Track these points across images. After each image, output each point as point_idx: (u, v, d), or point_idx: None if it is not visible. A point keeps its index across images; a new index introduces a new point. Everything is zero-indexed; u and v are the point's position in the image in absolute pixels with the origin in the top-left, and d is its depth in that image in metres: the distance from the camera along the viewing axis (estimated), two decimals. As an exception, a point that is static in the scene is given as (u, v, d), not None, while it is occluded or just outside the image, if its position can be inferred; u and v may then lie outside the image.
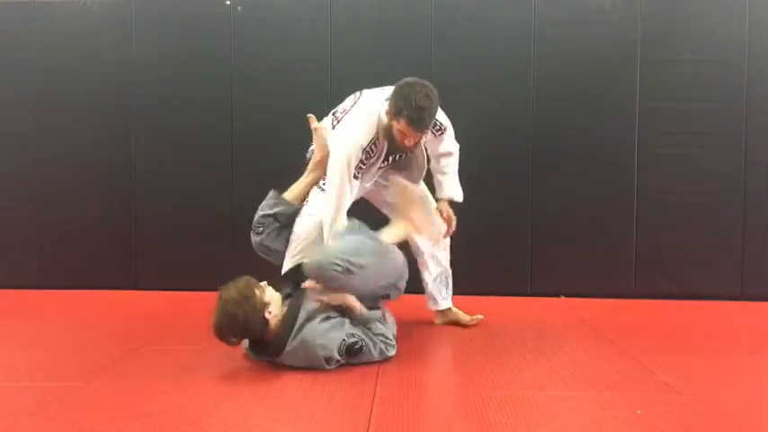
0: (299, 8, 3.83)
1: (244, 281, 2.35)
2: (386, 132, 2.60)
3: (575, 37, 3.74)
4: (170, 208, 3.91)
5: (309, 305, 2.39)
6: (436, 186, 2.95)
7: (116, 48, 3.89)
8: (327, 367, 2.34)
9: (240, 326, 2.28)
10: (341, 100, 2.81)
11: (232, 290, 2.31)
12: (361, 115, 2.64)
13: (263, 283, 2.40)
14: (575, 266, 3.78)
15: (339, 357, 2.34)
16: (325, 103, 3.71)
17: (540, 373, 2.35)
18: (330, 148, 2.64)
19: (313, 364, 2.34)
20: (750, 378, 2.33)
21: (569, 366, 2.41)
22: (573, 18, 3.75)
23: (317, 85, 3.77)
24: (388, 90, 2.63)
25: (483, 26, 3.77)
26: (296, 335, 2.33)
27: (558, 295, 3.75)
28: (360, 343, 2.37)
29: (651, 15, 3.71)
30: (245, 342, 2.47)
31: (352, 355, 2.36)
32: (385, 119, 2.57)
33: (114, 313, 3.37)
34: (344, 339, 2.35)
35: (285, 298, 2.46)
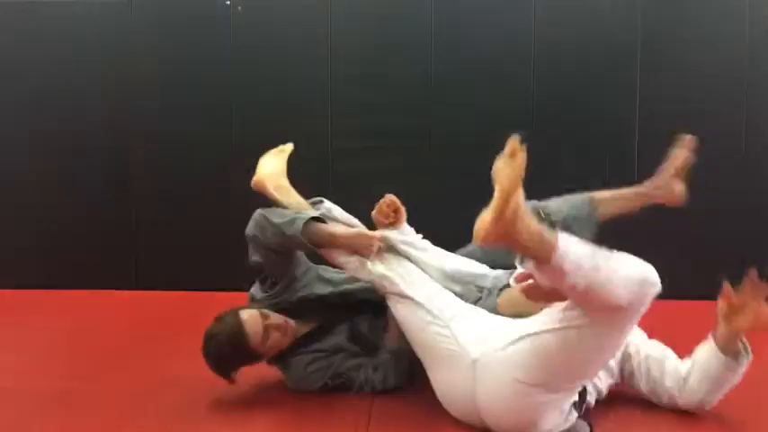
0: (299, 8, 3.82)
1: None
2: None
3: (575, 37, 3.74)
4: (170, 208, 3.90)
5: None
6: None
7: (116, 48, 3.89)
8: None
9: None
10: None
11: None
12: None
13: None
14: (575, 266, 3.77)
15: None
16: (326, 104, 3.74)
17: (540, 373, 2.34)
18: None
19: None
20: (750, 378, 2.33)
21: (569, 366, 2.40)
22: (573, 18, 3.74)
23: (317, 85, 3.77)
24: None
25: (483, 26, 3.76)
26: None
27: (558, 295, 3.74)
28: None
29: (651, 15, 3.71)
30: None
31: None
32: None
33: (114, 313, 3.37)
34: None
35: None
